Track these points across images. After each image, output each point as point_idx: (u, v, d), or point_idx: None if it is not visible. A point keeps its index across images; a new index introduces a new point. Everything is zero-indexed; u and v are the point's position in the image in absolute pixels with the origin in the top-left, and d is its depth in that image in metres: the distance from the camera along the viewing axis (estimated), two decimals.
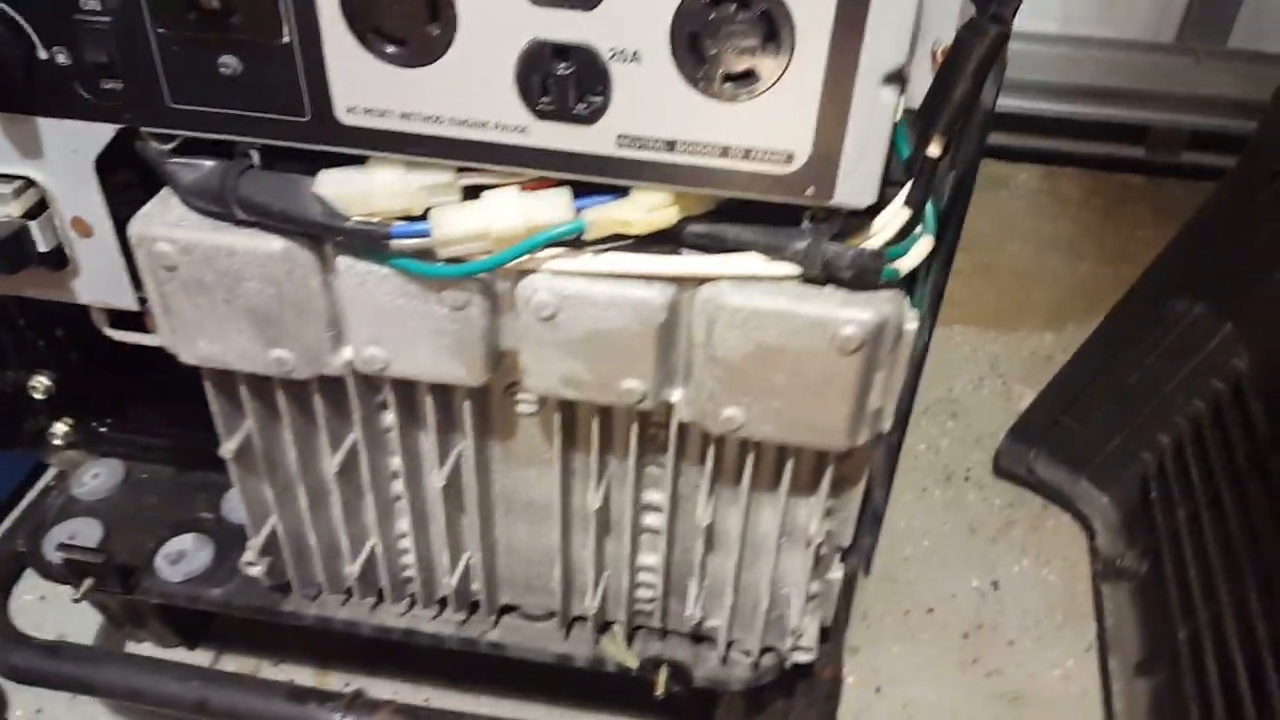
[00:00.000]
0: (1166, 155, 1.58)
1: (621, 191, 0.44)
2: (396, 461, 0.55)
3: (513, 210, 0.43)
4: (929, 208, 0.44)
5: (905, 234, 0.44)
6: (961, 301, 1.31)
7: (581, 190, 0.44)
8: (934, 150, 0.42)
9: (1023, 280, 1.35)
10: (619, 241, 0.44)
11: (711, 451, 0.51)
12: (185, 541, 0.71)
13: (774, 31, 0.38)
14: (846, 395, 0.45)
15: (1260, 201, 0.87)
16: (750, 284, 0.44)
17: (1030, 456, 1.02)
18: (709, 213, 0.45)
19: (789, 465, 0.51)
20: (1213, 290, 0.89)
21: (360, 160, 0.45)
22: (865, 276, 0.43)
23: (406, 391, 0.52)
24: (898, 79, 0.39)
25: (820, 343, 0.44)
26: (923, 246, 0.44)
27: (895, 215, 0.43)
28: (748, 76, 0.39)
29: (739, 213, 0.44)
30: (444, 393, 0.52)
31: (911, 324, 0.45)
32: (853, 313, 0.43)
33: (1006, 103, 1.57)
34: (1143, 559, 0.92)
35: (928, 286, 0.53)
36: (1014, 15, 0.39)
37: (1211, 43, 1.55)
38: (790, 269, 0.44)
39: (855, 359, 0.44)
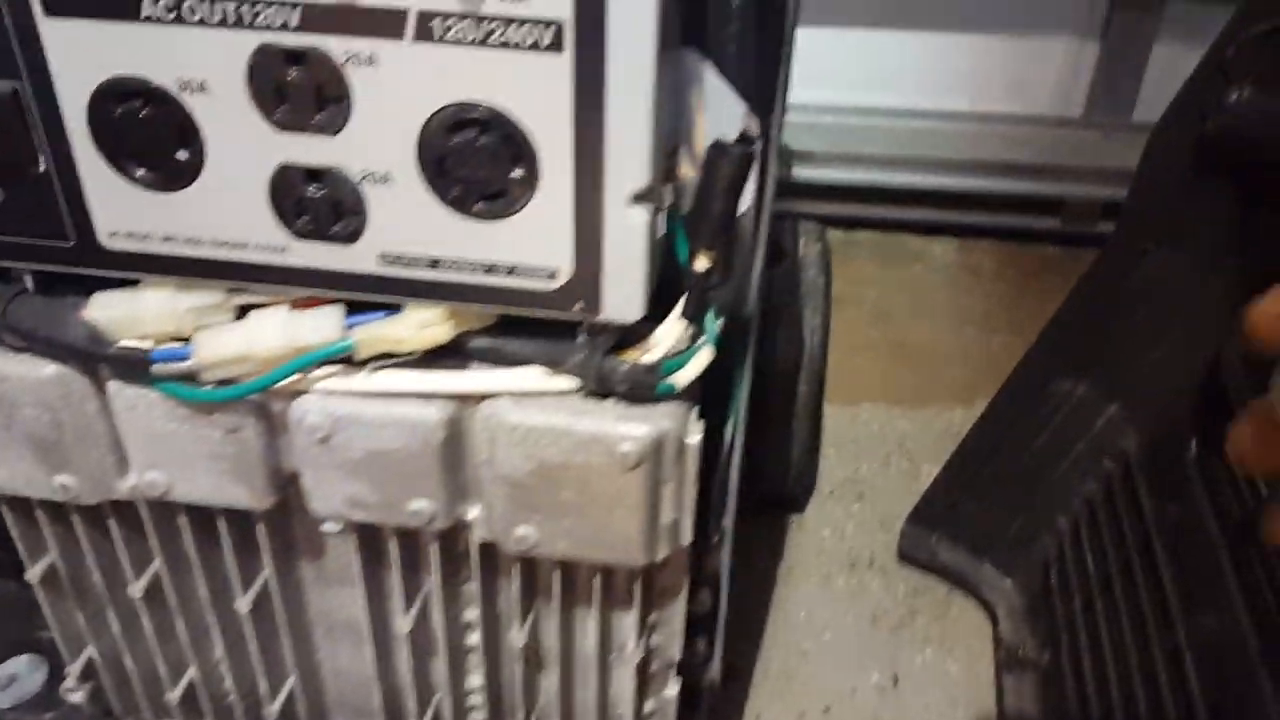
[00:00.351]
0: (1081, 225, 1.61)
1: (394, 308, 0.43)
2: (203, 584, 0.53)
3: (275, 331, 0.42)
4: (710, 319, 0.43)
5: (684, 347, 0.43)
6: (871, 380, 1.30)
7: (356, 306, 0.43)
8: (700, 264, 0.41)
9: (935, 356, 1.35)
10: (398, 358, 0.43)
11: (518, 568, 0.49)
12: (19, 664, 0.68)
13: (518, 155, 0.37)
14: (635, 511, 0.44)
15: (1135, 278, 0.88)
16: (530, 400, 0.43)
17: (933, 540, 1.01)
18: (490, 326, 0.44)
19: (597, 580, 0.49)
20: (1096, 368, 0.89)
21: (135, 282, 0.44)
22: (640, 390, 0.42)
23: (202, 514, 0.50)
24: (648, 198, 0.38)
25: (600, 459, 0.43)
26: (702, 359, 0.43)
27: (671, 329, 0.43)
28: (500, 197, 0.39)
29: (520, 325, 0.43)
30: (240, 515, 0.50)
31: (694, 437, 0.43)
32: (629, 428, 0.42)
33: (919, 180, 1.60)
34: (1044, 648, 0.90)
35: (742, 389, 0.52)
36: (769, 134, 0.39)
37: (1118, 117, 1.59)
38: (570, 383, 0.43)
39: (638, 475, 0.43)
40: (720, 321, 0.44)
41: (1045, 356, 0.95)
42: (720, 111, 0.45)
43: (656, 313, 0.43)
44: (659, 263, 0.43)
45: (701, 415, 0.46)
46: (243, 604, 0.52)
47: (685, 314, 0.42)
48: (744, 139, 0.37)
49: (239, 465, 0.46)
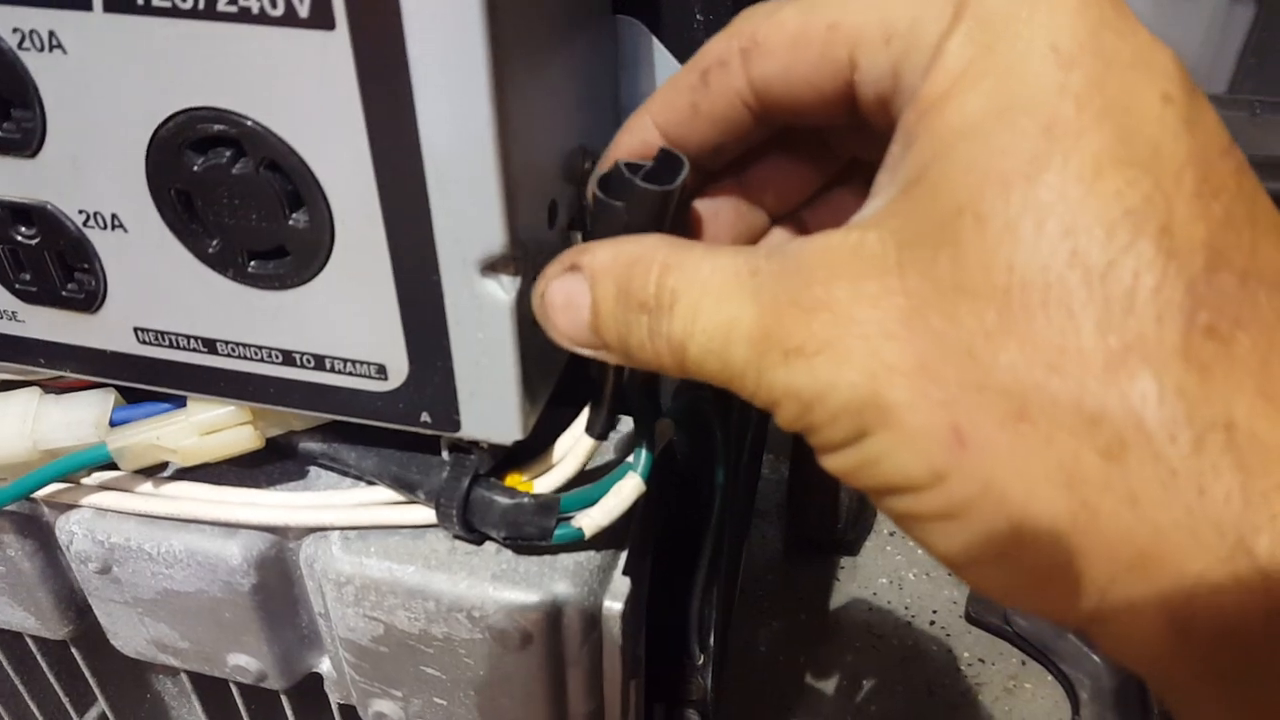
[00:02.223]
0: None
1: (179, 401, 0.29)
2: (39, 713, 0.42)
3: (14, 423, 0.29)
4: (641, 436, 0.29)
5: (600, 473, 0.28)
6: None
7: (143, 394, 0.30)
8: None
9: None
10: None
11: None
12: None
13: (296, 192, 0.23)
14: (531, 701, 0.30)
15: None
16: (373, 536, 0.29)
17: None
18: (324, 425, 0.30)
19: None
20: None
21: None
22: (526, 536, 0.28)
23: (13, 641, 0.38)
24: (511, 266, 0.23)
25: (467, 633, 0.29)
26: (625, 494, 0.28)
27: (573, 449, 0.28)
28: (281, 255, 0.25)
29: (365, 426, 0.29)
30: (58, 645, 0.38)
31: (615, 604, 0.29)
32: (506, 593, 0.28)
33: None
34: None
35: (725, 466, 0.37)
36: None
37: (1273, 94, 1.35)
38: (427, 515, 0.29)
39: (528, 656, 0.29)
40: (663, 430, 0.29)
41: None
42: None
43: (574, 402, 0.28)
44: (561, 352, 0.28)
45: (669, 506, 0.31)
46: None
47: (591, 430, 0.27)
48: (663, 164, 0.22)
49: (15, 588, 0.34)
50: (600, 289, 0.20)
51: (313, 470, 0.31)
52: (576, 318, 0.21)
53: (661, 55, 0.29)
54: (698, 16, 0.29)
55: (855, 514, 0.87)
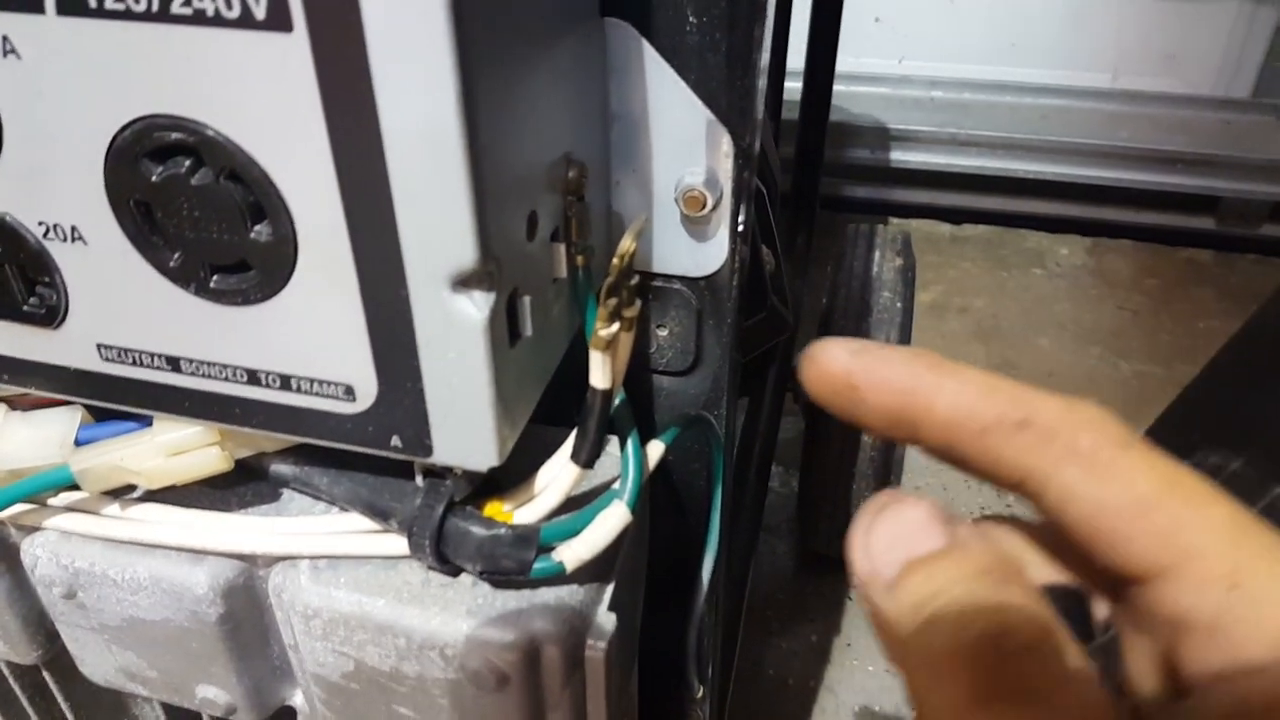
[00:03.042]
0: (1242, 227, 1.35)
1: (147, 420, 0.28)
2: None
3: None
4: (629, 462, 0.27)
5: (586, 500, 0.27)
6: None
7: (111, 412, 0.29)
8: (599, 380, 0.25)
9: (1051, 383, 1.13)
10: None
11: None
12: None
13: (258, 204, 0.22)
14: None
15: None
16: (343, 567, 0.28)
17: None
18: (296, 447, 0.29)
19: None
20: (1257, 442, 0.68)
21: None
22: (503, 570, 0.26)
23: None
24: (484, 282, 0.22)
25: (440, 672, 0.27)
26: (610, 525, 0.26)
27: (557, 477, 0.27)
28: (244, 269, 0.23)
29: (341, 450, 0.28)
30: (31, 669, 0.37)
31: (599, 643, 0.27)
32: (481, 631, 0.26)
33: (1045, 168, 1.37)
34: None
35: (721, 501, 0.35)
36: (747, 153, 0.22)
37: None
38: (401, 544, 0.28)
39: (504, 698, 0.27)
40: (653, 454, 0.28)
41: (1192, 416, 0.74)
42: (671, 116, 0.29)
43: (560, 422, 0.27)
44: (544, 368, 0.27)
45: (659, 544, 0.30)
46: None
47: (577, 458, 0.26)
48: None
49: None
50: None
51: (287, 492, 0.30)
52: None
53: (653, 59, 0.28)
54: (690, 19, 0.27)
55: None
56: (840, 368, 0.18)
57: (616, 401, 0.27)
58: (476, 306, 0.22)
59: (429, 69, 0.19)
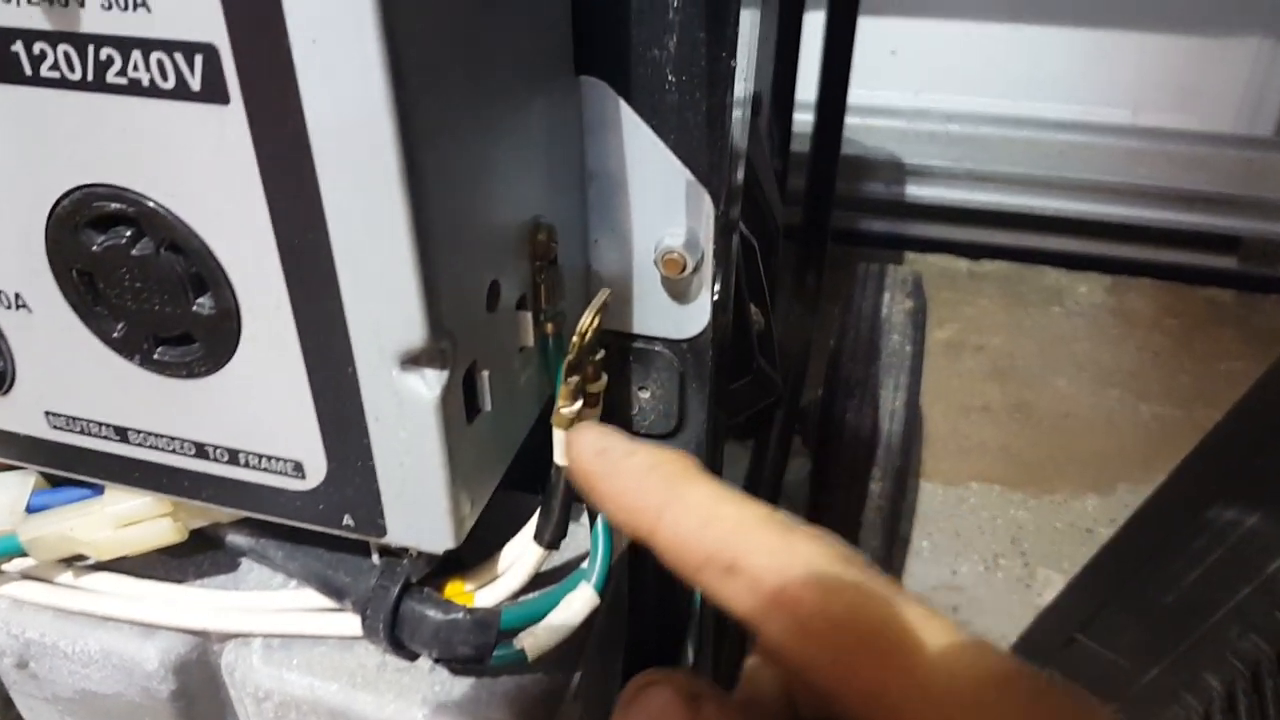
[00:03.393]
0: (1264, 267, 1.32)
1: (100, 489, 0.27)
2: None
3: None
4: (599, 540, 0.26)
5: (552, 579, 0.25)
6: (984, 452, 1.08)
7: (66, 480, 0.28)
8: (562, 458, 0.24)
9: (1067, 424, 1.11)
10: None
11: None
12: None
13: (199, 276, 0.21)
14: None
15: None
16: (298, 646, 0.27)
17: None
18: (251, 519, 0.28)
19: None
20: (1274, 498, 0.66)
21: None
22: (460, 657, 0.25)
23: None
24: (436, 360, 0.21)
25: None
26: (576, 607, 0.25)
27: (520, 558, 0.25)
28: (187, 341, 0.22)
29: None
30: None
31: None
32: (435, 718, 0.25)
33: (1065, 205, 1.35)
34: None
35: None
36: (727, 216, 0.21)
37: None
38: (357, 624, 0.26)
39: None
40: (620, 534, 0.27)
41: (1208, 470, 0.72)
42: (650, 176, 0.27)
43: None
44: (508, 442, 0.25)
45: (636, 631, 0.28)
46: None
47: (540, 539, 0.25)
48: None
49: None
50: None
51: (246, 561, 0.29)
52: None
53: (630, 119, 0.27)
54: (669, 78, 0.26)
55: (887, 542, 0.83)
56: (584, 465, 0.17)
57: None
58: (428, 385, 0.21)
59: (371, 144, 0.18)
